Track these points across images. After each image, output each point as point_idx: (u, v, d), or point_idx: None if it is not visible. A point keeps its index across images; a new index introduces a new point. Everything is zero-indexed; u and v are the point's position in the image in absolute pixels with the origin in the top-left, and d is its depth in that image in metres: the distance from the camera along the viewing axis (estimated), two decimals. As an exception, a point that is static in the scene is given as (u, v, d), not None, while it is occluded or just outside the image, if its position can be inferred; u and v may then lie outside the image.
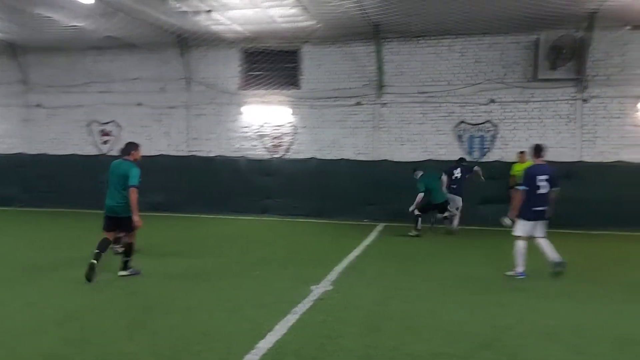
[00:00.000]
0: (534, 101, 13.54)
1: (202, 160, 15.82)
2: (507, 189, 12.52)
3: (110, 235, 7.37)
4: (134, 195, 6.95)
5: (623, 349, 4.80)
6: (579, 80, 13.02)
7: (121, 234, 8.18)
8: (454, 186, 12.13)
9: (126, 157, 7.27)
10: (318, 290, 6.67)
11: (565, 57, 12.63)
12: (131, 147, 7.36)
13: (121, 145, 9.46)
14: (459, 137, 14.12)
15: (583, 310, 6.08)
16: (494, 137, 13.89)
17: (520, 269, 7.66)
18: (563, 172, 12.80)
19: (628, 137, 13.02)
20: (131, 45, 15.53)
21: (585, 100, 13.20)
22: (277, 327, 5.18)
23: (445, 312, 5.88)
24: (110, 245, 8.89)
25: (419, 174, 11.92)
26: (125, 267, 7.36)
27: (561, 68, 12.85)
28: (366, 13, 12.28)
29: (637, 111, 12.96)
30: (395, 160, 14.47)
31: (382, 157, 14.57)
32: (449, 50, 14.09)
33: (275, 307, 5.88)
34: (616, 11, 11.64)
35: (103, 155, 16.32)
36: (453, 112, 14.14)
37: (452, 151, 14.08)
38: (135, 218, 7.01)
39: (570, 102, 13.31)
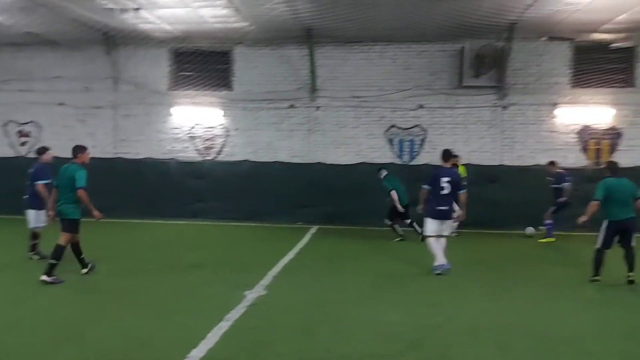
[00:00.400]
0: (459, 107, 14.14)
1: (130, 162, 15.24)
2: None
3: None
4: (83, 196, 7.18)
5: (544, 345, 5.11)
6: (500, 88, 13.74)
7: (35, 241, 8.76)
8: None
9: (74, 160, 7.45)
10: (251, 295, 6.63)
11: (488, 65, 13.29)
12: (78, 150, 7.52)
13: (39, 146, 9.27)
14: (390, 141, 14.50)
15: (508, 308, 6.42)
16: (422, 141, 14.38)
17: (441, 260, 8.02)
18: (486, 176, 13.62)
19: (544, 142, 13.88)
20: (53, 42, 14.71)
21: (505, 107, 13.96)
22: (209, 334, 5.10)
23: (378, 313, 6.02)
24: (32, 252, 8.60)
25: (384, 173, 11.88)
26: (49, 272, 7.06)
27: (484, 76, 13.49)
28: (299, 17, 12.34)
29: (552, 118, 13.85)
30: (328, 162, 14.64)
31: (317, 160, 14.69)
32: (380, 57, 14.44)
33: (207, 313, 5.78)
34: (534, 23, 12.39)
35: (21, 157, 15.37)
36: (384, 117, 14.50)
37: (384, 154, 14.43)
38: (95, 213, 7.33)
39: (492, 108, 14.02)
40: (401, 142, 14.45)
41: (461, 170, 13.33)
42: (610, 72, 13.57)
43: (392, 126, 14.46)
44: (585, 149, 13.79)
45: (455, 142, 13.96)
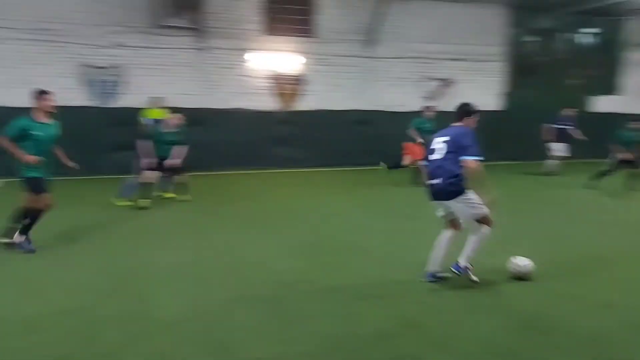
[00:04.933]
0: (159, 48, 13.73)
1: None
2: (135, 136, 12.64)
3: None
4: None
5: (236, 269, 5.81)
6: (199, 30, 13.87)
7: None
8: None
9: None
10: None
11: (185, 6, 13.20)
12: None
13: None
14: (87, 81, 13.33)
15: (208, 242, 6.96)
16: (118, 82, 13.61)
17: None
18: (190, 119, 13.78)
19: (241, 86, 14.70)
20: None
21: (203, 50, 14.18)
22: None
23: (69, 271, 5.75)
24: None
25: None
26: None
27: (184, 17, 13.42)
28: None
29: (244, 62, 14.69)
30: (11, 106, 12.62)
31: (-2, 103, 12.54)
32: (69, -17, 12.88)
33: None
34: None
35: None
36: (81, 54, 13.15)
37: (79, 96, 13.21)
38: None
39: (191, 51, 14.10)
40: (97, 83, 13.43)
41: (160, 114, 12.96)
42: (296, 22, 15.08)
43: (87, 65, 13.26)
44: (276, 94, 15.22)
45: (160, 85, 13.65)
